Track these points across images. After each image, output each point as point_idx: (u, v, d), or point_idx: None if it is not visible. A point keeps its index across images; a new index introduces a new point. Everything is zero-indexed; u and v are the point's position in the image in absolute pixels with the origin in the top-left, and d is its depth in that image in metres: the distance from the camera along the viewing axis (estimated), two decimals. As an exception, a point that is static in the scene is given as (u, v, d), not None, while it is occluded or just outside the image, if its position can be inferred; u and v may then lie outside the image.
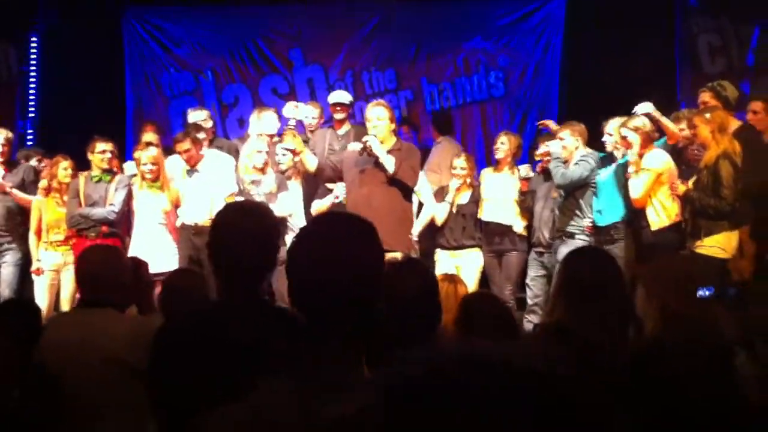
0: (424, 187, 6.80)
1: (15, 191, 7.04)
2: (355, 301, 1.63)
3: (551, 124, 6.98)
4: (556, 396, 0.93)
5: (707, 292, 2.62)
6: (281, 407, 1.44)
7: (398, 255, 6.24)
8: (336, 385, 1.48)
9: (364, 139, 5.98)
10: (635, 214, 5.93)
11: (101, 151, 6.73)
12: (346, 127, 7.36)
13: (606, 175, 6.17)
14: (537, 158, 6.93)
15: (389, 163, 5.86)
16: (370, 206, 5.57)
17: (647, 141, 5.89)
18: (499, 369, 0.92)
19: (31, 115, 9.92)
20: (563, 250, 5.94)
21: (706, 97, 6.09)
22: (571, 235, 6.20)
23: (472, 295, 3.34)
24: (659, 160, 5.81)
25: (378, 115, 6.00)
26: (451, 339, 2.93)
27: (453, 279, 4.04)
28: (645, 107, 5.96)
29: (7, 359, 2.86)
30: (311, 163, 6.53)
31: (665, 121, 5.99)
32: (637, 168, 5.77)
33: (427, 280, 2.81)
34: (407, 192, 6.01)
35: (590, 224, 6.18)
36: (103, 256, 3.29)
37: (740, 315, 2.57)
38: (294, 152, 6.64)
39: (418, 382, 0.92)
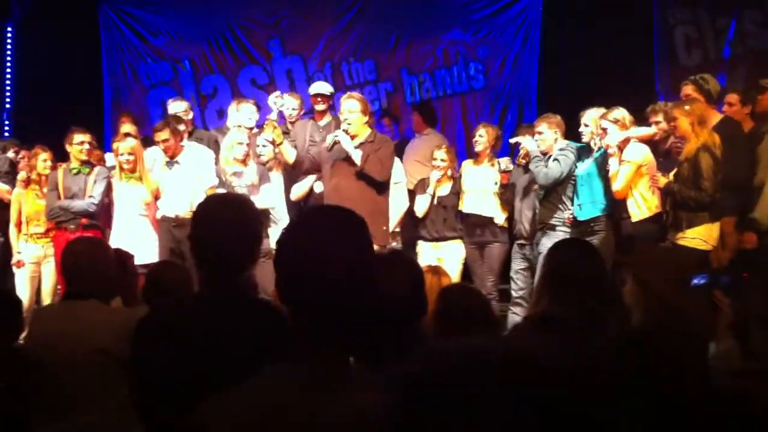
0: (400, 179, 6.80)
1: None
2: (345, 294, 1.63)
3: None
4: (559, 388, 0.92)
5: (702, 281, 2.65)
6: (281, 395, 1.44)
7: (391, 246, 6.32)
8: (330, 380, 1.47)
9: (334, 133, 6.03)
10: (615, 206, 5.96)
11: (79, 143, 6.67)
12: (327, 118, 7.34)
13: (585, 167, 6.20)
14: (521, 152, 6.88)
15: (356, 157, 5.89)
16: (341, 199, 5.58)
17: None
18: (500, 364, 0.92)
19: (7, 105, 9.80)
20: (545, 243, 5.98)
21: (688, 90, 6.13)
22: (553, 227, 6.22)
23: (449, 288, 3.34)
24: (640, 151, 5.85)
25: (349, 108, 6.03)
26: (441, 337, 2.93)
27: (437, 271, 4.04)
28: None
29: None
30: (290, 155, 6.53)
31: (640, 133, 6.00)
32: (618, 159, 5.80)
33: (414, 272, 2.81)
34: (379, 184, 6.00)
35: (571, 216, 6.21)
36: (88, 248, 3.29)
37: (737, 303, 2.59)
38: (273, 143, 6.62)
39: (432, 380, 0.93)
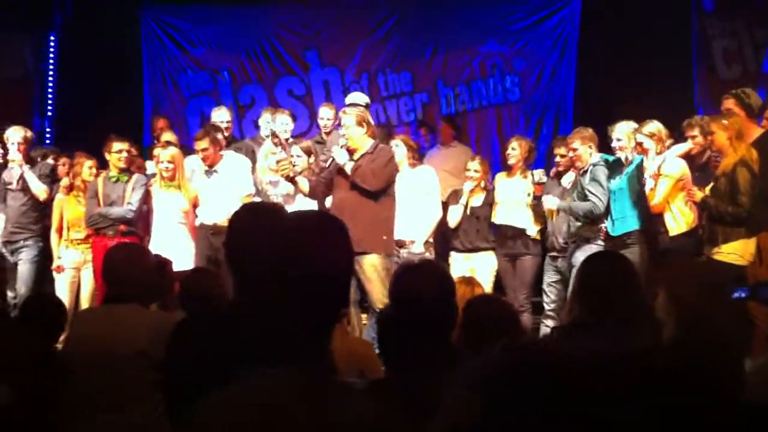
0: (433, 190, 6.82)
1: (27, 172, 7.03)
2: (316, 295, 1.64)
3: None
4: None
5: (743, 294, 2.63)
6: (273, 396, 1.46)
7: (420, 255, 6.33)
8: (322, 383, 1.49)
9: (333, 149, 6.17)
10: (650, 221, 5.91)
11: (118, 151, 6.79)
12: None
13: (618, 182, 6.14)
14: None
15: (348, 169, 6.00)
16: (341, 211, 5.62)
17: (663, 146, 5.88)
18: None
19: (48, 113, 10.00)
20: (578, 255, 5.94)
21: (729, 104, 6.05)
22: (586, 240, 6.18)
23: (476, 299, 3.34)
24: (677, 165, 5.80)
25: (346, 123, 6.14)
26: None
27: (470, 282, 4.05)
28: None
29: (30, 352, 2.89)
30: (305, 187, 6.57)
31: (677, 152, 5.95)
32: (656, 173, 5.75)
33: (443, 281, 2.81)
34: (375, 194, 5.99)
35: (605, 229, 6.16)
36: (128, 253, 3.36)
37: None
38: (290, 180, 6.62)
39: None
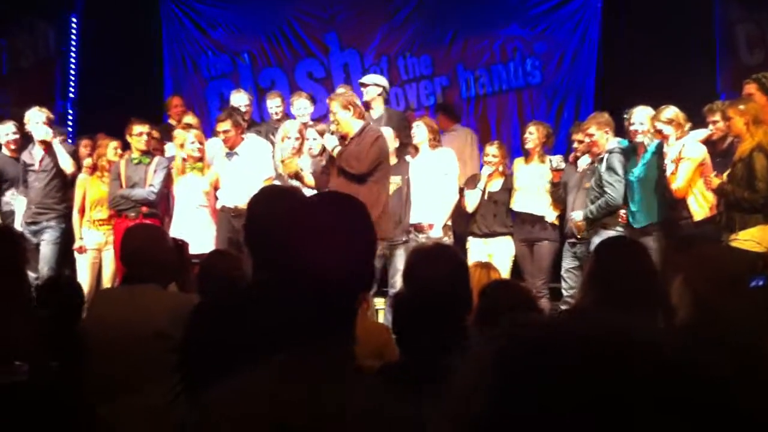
0: (450, 171, 6.82)
1: (57, 143, 7.11)
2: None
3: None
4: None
5: (760, 282, 2.61)
6: (280, 385, 1.46)
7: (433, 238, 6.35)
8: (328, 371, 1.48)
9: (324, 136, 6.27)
10: (673, 208, 5.88)
11: (138, 134, 6.85)
12: (379, 110, 7.39)
13: (637, 171, 6.11)
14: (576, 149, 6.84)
15: (335, 154, 6.09)
16: None
17: (682, 131, 5.85)
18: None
19: (71, 95, 10.08)
20: (596, 241, 5.93)
21: (751, 88, 6.00)
22: (605, 226, 6.17)
23: (493, 283, 3.35)
24: (699, 149, 5.77)
25: (332, 110, 6.18)
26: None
27: (487, 266, 4.06)
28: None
29: (49, 333, 2.94)
30: (311, 181, 6.62)
31: (698, 137, 5.92)
32: (677, 158, 5.73)
33: (456, 265, 2.82)
34: (358, 177, 5.99)
35: (624, 215, 6.15)
36: (147, 234, 3.39)
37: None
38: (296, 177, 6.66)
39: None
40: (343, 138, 6.12)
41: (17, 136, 7.35)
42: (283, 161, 6.61)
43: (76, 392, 2.97)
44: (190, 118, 7.64)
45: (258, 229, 2.53)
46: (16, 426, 2.78)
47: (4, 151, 7.39)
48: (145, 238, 3.33)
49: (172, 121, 7.71)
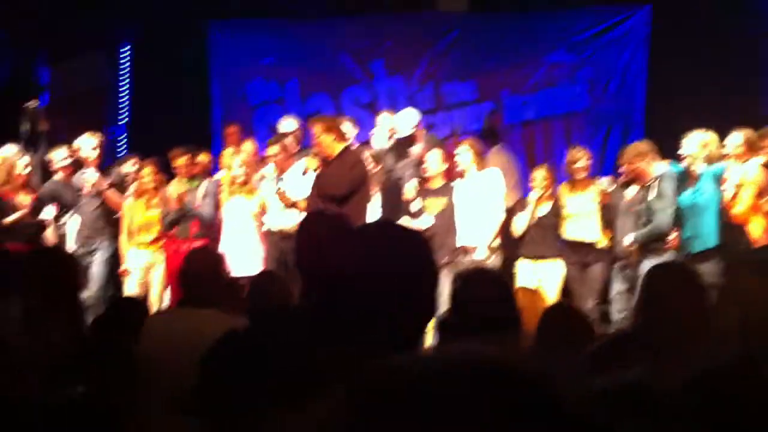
0: (497, 190, 6.80)
1: (109, 192, 7.30)
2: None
3: None
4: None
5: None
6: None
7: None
8: None
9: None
10: (729, 233, 5.77)
11: (181, 164, 7.04)
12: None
13: (691, 196, 6.02)
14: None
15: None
16: None
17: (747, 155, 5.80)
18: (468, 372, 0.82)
19: (122, 121, 10.30)
20: (647, 265, 5.85)
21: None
22: (655, 250, 6.10)
23: (553, 307, 3.33)
24: (756, 171, 5.69)
25: (314, 134, 6.29)
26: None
27: (532, 292, 4.04)
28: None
29: (107, 352, 2.97)
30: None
31: (761, 161, 5.84)
32: (739, 183, 5.65)
33: (500, 288, 2.81)
34: (339, 199, 6.01)
35: (674, 240, 6.07)
36: (208, 258, 3.42)
37: None
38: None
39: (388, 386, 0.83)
40: (324, 160, 6.22)
41: (70, 161, 7.52)
42: (277, 193, 6.73)
43: (130, 412, 2.99)
44: (248, 145, 7.72)
45: (308, 252, 2.55)
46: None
47: (59, 176, 7.56)
48: (206, 263, 3.37)
49: (243, 146, 7.85)
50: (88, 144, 7.32)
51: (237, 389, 2.19)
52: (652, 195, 6.15)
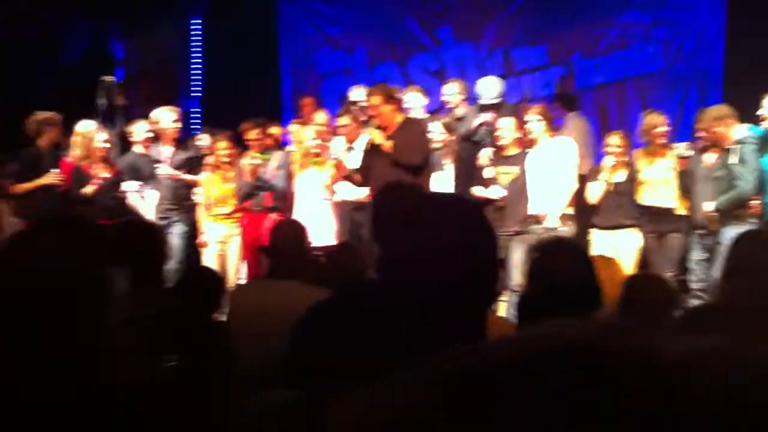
0: (569, 160, 6.70)
1: (182, 176, 7.41)
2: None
3: None
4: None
5: None
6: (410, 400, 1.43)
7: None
8: None
9: (367, 137, 6.28)
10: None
11: (253, 137, 7.10)
12: (462, 109, 7.52)
13: None
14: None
15: (388, 148, 6.09)
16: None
17: None
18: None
19: (195, 94, 10.46)
20: (727, 233, 5.72)
21: None
22: (736, 217, 5.94)
23: (636, 277, 3.27)
24: None
25: (372, 105, 6.25)
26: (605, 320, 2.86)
27: (610, 260, 3.97)
28: None
29: (194, 324, 3.04)
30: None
31: None
32: None
33: (581, 259, 2.77)
34: (414, 168, 6.04)
35: (758, 205, 5.90)
36: (294, 231, 3.47)
37: None
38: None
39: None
40: (383, 130, 6.17)
41: (150, 134, 7.66)
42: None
43: (219, 385, 3.04)
44: (321, 116, 7.72)
45: (386, 224, 2.55)
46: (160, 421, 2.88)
47: (138, 148, 7.71)
48: (291, 235, 3.41)
49: (316, 117, 7.89)
50: (167, 118, 7.45)
51: (327, 361, 2.23)
52: (733, 160, 5.97)
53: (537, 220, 6.57)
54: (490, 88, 7.50)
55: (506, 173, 6.71)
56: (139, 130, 7.65)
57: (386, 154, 6.10)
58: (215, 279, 3.61)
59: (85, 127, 7.41)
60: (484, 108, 7.33)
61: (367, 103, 6.36)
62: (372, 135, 6.21)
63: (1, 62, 8.51)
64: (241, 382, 3.02)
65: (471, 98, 7.67)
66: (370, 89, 6.52)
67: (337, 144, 7.19)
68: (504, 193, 6.57)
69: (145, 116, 7.83)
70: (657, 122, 6.71)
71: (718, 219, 6.12)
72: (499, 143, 6.81)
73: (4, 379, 1.25)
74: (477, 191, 6.70)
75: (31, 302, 1.27)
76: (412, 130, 6.21)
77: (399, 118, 6.25)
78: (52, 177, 7.04)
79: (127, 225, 3.83)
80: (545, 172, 6.60)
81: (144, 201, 7.47)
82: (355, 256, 4.09)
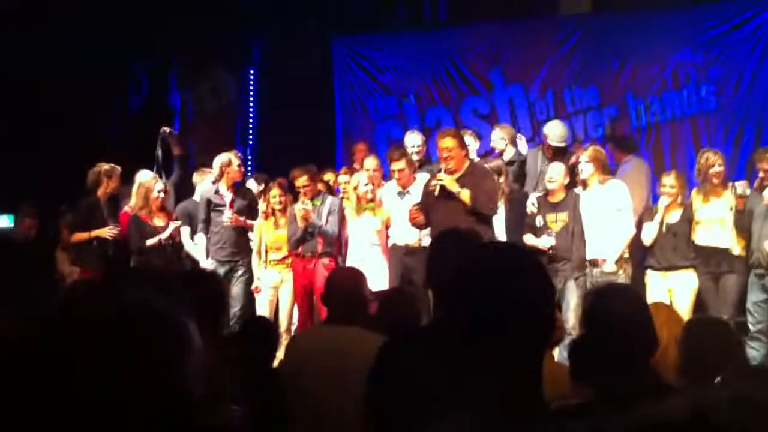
0: (625, 206, 6.65)
1: (241, 220, 7.48)
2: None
3: None
4: None
5: None
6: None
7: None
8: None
9: (435, 182, 6.14)
10: None
11: (302, 184, 7.12)
12: (510, 152, 7.70)
13: None
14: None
15: (465, 197, 6.01)
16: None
17: None
18: None
19: (250, 142, 10.67)
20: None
21: None
22: (798, 257, 5.81)
23: (696, 321, 3.22)
24: None
25: (447, 147, 6.17)
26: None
27: (666, 306, 3.92)
28: None
29: (253, 372, 3.08)
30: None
31: None
32: None
33: (636, 303, 2.76)
34: (484, 216, 6.08)
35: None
36: (353, 277, 3.51)
37: None
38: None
39: None
40: (452, 174, 6.15)
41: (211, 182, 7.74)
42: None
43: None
44: (371, 161, 7.78)
45: (442, 269, 2.58)
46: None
47: (203, 189, 7.73)
48: (351, 281, 3.45)
49: (357, 166, 7.96)
50: (233, 162, 7.54)
51: (402, 407, 2.25)
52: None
53: (595, 264, 6.52)
54: (555, 131, 7.54)
55: (556, 221, 6.68)
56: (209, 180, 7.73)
57: (457, 199, 6.07)
58: (272, 327, 3.65)
59: (144, 177, 7.60)
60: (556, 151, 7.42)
61: (440, 146, 6.29)
62: (444, 180, 6.11)
63: (65, 109, 8.80)
64: (300, 425, 3.05)
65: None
66: (443, 132, 6.48)
67: (389, 189, 7.23)
68: (553, 242, 6.51)
69: (203, 165, 7.99)
70: (712, 161, 6.63)
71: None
72: (549, 188, 6.77)
73: (91, 420, 1.29)
74: (528, 239, 6.67)
75: (120, 349, 1.31)
76: (485, 176, 6.25)
77: (466, 163, 6.28)
78: (107, 232, 7.27)
79: (191, 274, 3.91)
80: (600, 216, 6.56)
81: (196, 246, 7.57)
82: (410, 301, 4.10)
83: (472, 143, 7.66)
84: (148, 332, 1.31)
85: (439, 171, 6.27)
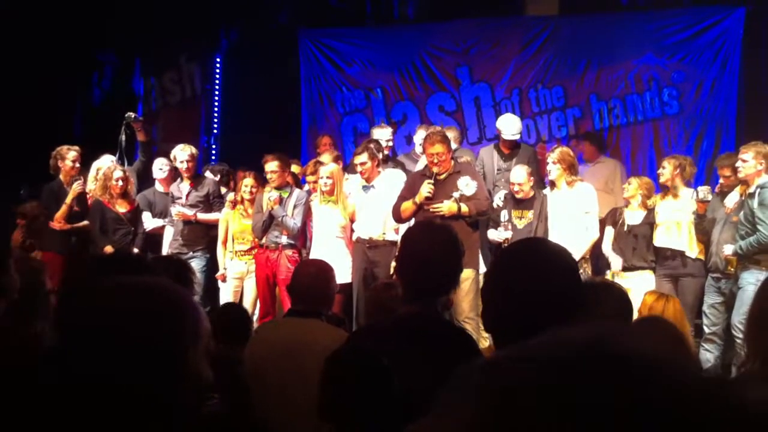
0: (592, 209, 6.73)
1: (200, 216, 7.47)
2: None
3: None
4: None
5: None
6: None
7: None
8: None
9: (428, 186, 6.22)
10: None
11: (272, 169, 7.06)
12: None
13: None
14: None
15: (466, 211, 6.19)
16: None
17: None
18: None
19: (215, 131, 10.59)
20: (746, 278, 5.71)
21: None
22: (756, 262, 5.90)
23: (641, 321, 3.26)
24: None
25: (437, 153, 6.27)
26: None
27: (666, 297, 3.99)
28: None
29: (224, 363, 3.05)
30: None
31: None
32: None
33: (623, 301, 2.82)
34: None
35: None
36: (319, 270, 3.49)
37: None
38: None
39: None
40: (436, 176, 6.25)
41: (168, 170, 7.76)
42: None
43: (247, 423, 3.05)
44: (326, 156, 7.79)
45: (412, 261, 2.59)
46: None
47: (157, 185, 7.81)
48: (317, 274, 3.43)
49: (322, 158, 7.93)
50: (181, 156, 7.53)
51: (363, 401, 2.26)
52: (753, 203, 5.96)
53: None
54: (509, 124, 7.60)
55: (521, 218, 6.75)
56: (156, 167, 7.76)
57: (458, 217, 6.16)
58: (245, 315, 3.62)
59: (103, 162, 7.52)
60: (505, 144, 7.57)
61: (429, 152, 6.33)
62: (443, 210, 6.20)
63: (27, 96, 8.63)
64: (267, 419, 3.03)
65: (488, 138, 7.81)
66: (432, 137, 6.39)
67: (354, 183, 7.22)
68: (509, 235, 6.57)
69: (166, 153, 7.93)
70: (672, 165, 6.74)
71: (738, 263, 6.09)
72: (517, 196, 6.80)
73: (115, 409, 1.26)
74: (490, 234, 6.75)
75: (138, 333, 1.28)
76: (473, 175, 6.43)
77: (452, 162, 6.44)
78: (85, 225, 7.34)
79: (163, 260, 3.86)
80: (567, 218, 6.62)
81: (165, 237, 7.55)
82: (393, 292, 4.08)
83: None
84: (176, 316, 1.29)
85: (424, 176, 6.37)
